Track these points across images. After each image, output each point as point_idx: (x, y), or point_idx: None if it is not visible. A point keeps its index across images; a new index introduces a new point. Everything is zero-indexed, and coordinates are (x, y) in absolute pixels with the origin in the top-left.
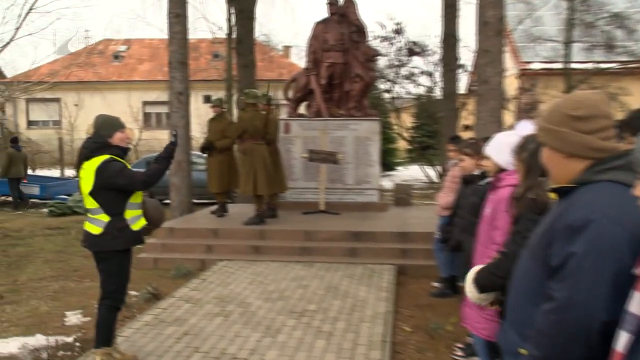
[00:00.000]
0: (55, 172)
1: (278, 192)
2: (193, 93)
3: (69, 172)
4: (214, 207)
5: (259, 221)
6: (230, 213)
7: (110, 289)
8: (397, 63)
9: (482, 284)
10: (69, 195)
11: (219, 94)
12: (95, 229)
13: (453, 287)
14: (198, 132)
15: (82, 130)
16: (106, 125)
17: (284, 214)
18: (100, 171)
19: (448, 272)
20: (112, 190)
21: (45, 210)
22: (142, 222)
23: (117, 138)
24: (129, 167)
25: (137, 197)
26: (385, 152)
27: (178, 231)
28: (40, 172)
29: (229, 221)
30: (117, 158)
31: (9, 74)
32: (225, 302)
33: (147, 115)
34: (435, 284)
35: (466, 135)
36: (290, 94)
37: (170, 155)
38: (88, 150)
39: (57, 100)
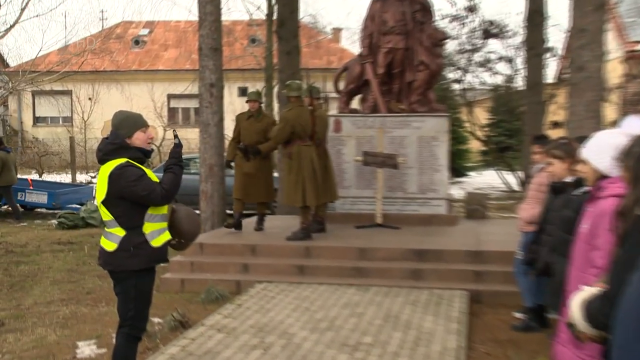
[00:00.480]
0: (65, 177)
1: (327, 201)
2: (227, 85)
3: (82, 177)
4: (243, 220)
5: (304, 236)
6: (270, 226)
7: (129, 315)
8: (469, 47)
9: (591, 317)
10: (81, 204)
11: (256, 85)
12: (109, 245)
13: (540, 319)
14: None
15: (97, 128)
16: (125, 124)
17: (333, 227)
18: (113, 177)
19: (534, 300)
20: (127, 199)
21: (54, 221)
22: (165, 237)
23: (137, 138)
24: (150, 174)
25: (159, 208)
26: (455, 154)
27: (209, 247)
28: (48, 177)
29: (269, 236)
30: (134, 162)
31: (13, 62)
32: (265, 332)
33: (172, 111)
34: (518, 315)
35: (555, 134)
36: (342, 85)
37: (178, 159)
38: (102, 153)
39: (68, 93)
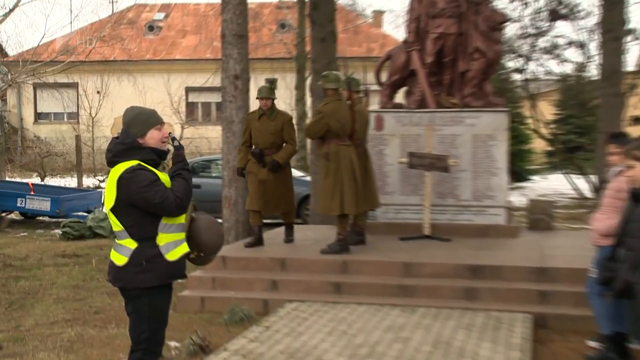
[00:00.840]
0: (70, 182)
1: (368, 210)
2: (253, 76)
3: (89, 181)
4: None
5: (341, 249)
6: (302, 238)
7: (142, 338)
8: (533, 31)
9: None
10: (88, 212)
11: (287, 77)
12: (119, 259)
13: (620, 349)
14: None
15: (106, 125)
16: (137, 121)
17: (374, 239)
18: (122, 182)
19: (612, 327)
20: (138, 207)
21: (58, 231)
22: (183, 250)
23: (151, 137)
24: (165, 178)
25: (175, 217)
26: (516, 155)
27: (233, 261)
28: (51, 181)
29: (301, 249)
30: (147, 165)
31: (12, 51)
32: (296, 359)
33: (191, 106)
34: (592, 344)
35: (636, 131)
36: (384, 77)
37: (184, 163)
38: (112, 154)
39: (74, 86)
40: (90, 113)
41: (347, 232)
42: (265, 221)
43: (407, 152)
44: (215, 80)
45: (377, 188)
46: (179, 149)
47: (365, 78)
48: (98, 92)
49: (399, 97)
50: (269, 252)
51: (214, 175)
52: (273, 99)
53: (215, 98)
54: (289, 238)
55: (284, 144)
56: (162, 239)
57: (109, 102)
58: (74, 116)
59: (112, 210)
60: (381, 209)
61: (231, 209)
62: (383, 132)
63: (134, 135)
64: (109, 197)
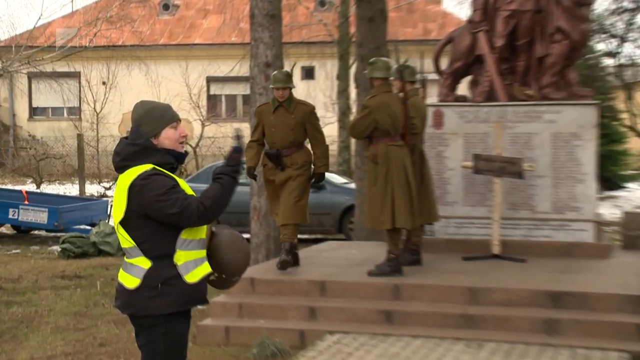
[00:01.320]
0: (71, 189)
1: (425, 223)
2: (287, 63)
3: (93, 189)
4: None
5: (393, 270)
6: (346, 256)
7: None
8: (629, 6)
9: None
10: (92, 225)
11: (326, 64)
12: (130, 281)
13: None
14: None
15: (113, 122)
16: (150, 118)
17: (432, 259)
18: (135, 190)
19: None
20: (153, 219)
21: (56, 248)
22: (204, 270)
23: (166, 137)
24: (184, 184)
25: (196, 231)
26: (607, 158)
27: (263, 284)
28: (48, 189)
29: (345, 270)
30: (163, 170)
31: (4, 35)
32: None
33: (213, 100)
34: None
35: None
36: (444, 63)
37: (234, 168)
38: (120, 157)
39: (76, 75)
40: (94, 108)
41: (400, 251)
42: (300, 236)
43: (472, 155)
44: (243, 69)
45: (436, 198)
46: (237, 151)
47: (422, 65)
48: (104, 83)
49: (463, 88)
50: (305, 273)
51: (241, 181)
52: (291, 88)
53: (242, 90)
54: (286, 260)
55: (310, 144)
56: (181, 257)
57: (116, 95)
58: (75, 111)
59: (122, 223)
60: (440, 223)
61: (260, 221)
62: (443, 130)
63: (146, 135)
64: (118, 207)
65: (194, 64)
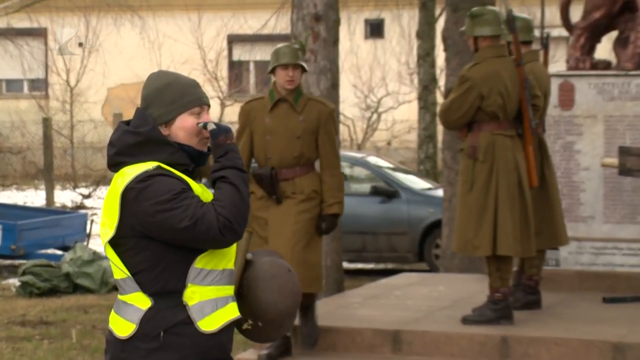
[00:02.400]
0: (35, 196)
1: (545, 248)
2: (345, 17)
3: (65, 197)
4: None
5: (499, 316)
6: (430, 295)
7: None
8: None
9: None
10: (64, 248)
11: (401, 17)
12: (122, 327)
13: None
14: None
15: (94, 101)
16: (162, 97)
17: (556, 300)
18: (129, 195)
19: None
20: (154, 239)
21: (14, 282)
22: (228, 315)
23: (182, 127)
24: (199, 189)
25: (220, 258)
26: None
27: None
28: (2, 197)
29: (427, 315)
30: (171, 169)
31: None
32: None
33: (237, 68)
34: None
35: None
36: (576, 15)
37: (229, 159)
38: (115, 150)
39: (41, 33)
40: (67, 81)
41: (509, 288)
42: (363, 266)
43: (617, 148)
44: (279, 25)
45: (562, 211)
46: (218, 134)
47: (542, 17)
48: (81, 45)
49: (602, 50)
50: (372, 319)
51: None
52: (303, 70)
53: None
54: (305, 332)
55: (320, 166)
56: (194, 295)
57: (99, 62)
58: (40, 86)
59: (112, 243)
60: (569, 248)
61: None
62: (573, 111)
63: (153, 121)
64: (108, 221)
65: (209, 17)
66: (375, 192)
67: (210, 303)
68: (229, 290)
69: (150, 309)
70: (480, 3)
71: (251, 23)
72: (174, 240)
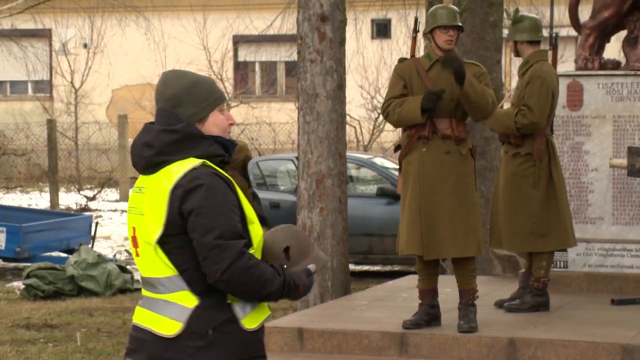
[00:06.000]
0: (39, 199)
1: (554, 249)
2: (352, 17)
3: (70, 199)
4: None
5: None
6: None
7: None
8: None
9: None
10: (69, 251)
11: (409, 17)
12: (165, 325)
13: None
14: (363, 109)
15: (99, 103)
16: (193, 96)
17: (564, 302)
18: (177, 193)
19: None
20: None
21: (19, 285)
22: (264, 313)
23: (214, 123)
24: (247, 205)
25: (257, 256)
26: None
27: (315, 337)
28: (5, 199)
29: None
30: (214, 167)
31: None
32: None
33: (242, 69)
34: None
35: None
36: (585, 14)
37: (302, 284)
38: (155, 150)
39: (45, 35)
40: (72, 82)
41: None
42: (369, 268)
43: (626, 148)
44: (286, 26)
45: (570, 212)
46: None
47: (551, 17)
48: (85, 46)
49: (611, 49)
50: (378, 322)
51: (281, 188)
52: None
53: (284, 55)
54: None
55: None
56: None
57: (104, 63)
58: (44, 87)
59: (160, 242)
60: (578, 249)
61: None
62: (582, 111)
63: (187, 119)
64: (153, 220)
65: (215, 18)
66: (382, 193)
67: (250, 302)
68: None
69: (197, 307)
70: (487, 3)
71: (257, 24)
72: (196, 249)
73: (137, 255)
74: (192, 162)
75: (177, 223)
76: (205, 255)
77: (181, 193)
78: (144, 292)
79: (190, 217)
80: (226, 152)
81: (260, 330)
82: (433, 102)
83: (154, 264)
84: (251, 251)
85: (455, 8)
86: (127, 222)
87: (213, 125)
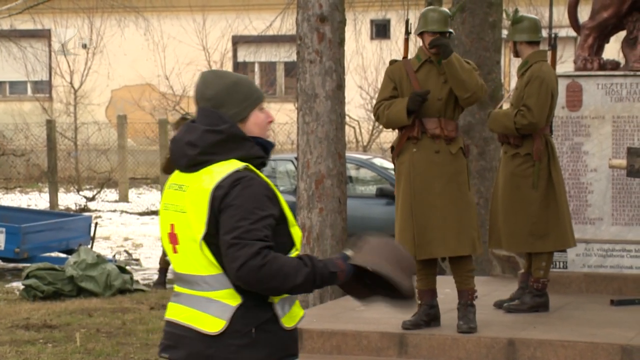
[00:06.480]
0: (38, 200)
1: (553, 250)
2: (351, 18)
3: (69, 199)
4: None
5: (536, 304)
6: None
7: None
8: None
9: None
10: (68, 252)
11: (409, 18)
12: (208, 322)
13: None
14: (362, 110)
15: (98, 103)
16: (234, 96)
17: (564, 302)
18: (219, 195)
19: None
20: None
21: (18, 285)
22: (300, 311)
23: (255, 123)
24: (288, 209)
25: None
26: None
27: (315, 338)
28: (4, 200)
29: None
30: (256, 171)
31: None
32: None
33: (242, 70)
34: None
35: None
36: (584, 14)
37: (337, 271)
38: (199, 150)
39: (44, 35)
40: (71, 83)
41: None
42: None
43: (625, 149)
44: (285, 26)
45: (570, 213)
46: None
47: (550, 17)
48: (85, 47)
49: (610, 49)
50: (377, 322)
51: (280, 188)
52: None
53: (284, 56)
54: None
55: None
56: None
57: (103, 64)
58: (44, 88)
59: (205, 239)
60: (577, 250)
61: (312, 246)
62: (581, 112)
63: (229, 119)
64: (195, 219)
65: (214, 18)
66: (381, 193)
67: (287, 300)
68: None
69: (240, 305)
70: (487, 4)
71: (256, 24)
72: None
73: (175, 252)
74: (234, 165)
75: (217, 222)
76: (224, 253)
77: (222, 194)
78: (179, 289)
79: (222, 214)
80: (265, 153)
81: (296, 330)
82: (418, 104)
83: (197, 262)
84: (294, 252)
85: (447, 11)
86: (162, 219)
87: (254, 124)
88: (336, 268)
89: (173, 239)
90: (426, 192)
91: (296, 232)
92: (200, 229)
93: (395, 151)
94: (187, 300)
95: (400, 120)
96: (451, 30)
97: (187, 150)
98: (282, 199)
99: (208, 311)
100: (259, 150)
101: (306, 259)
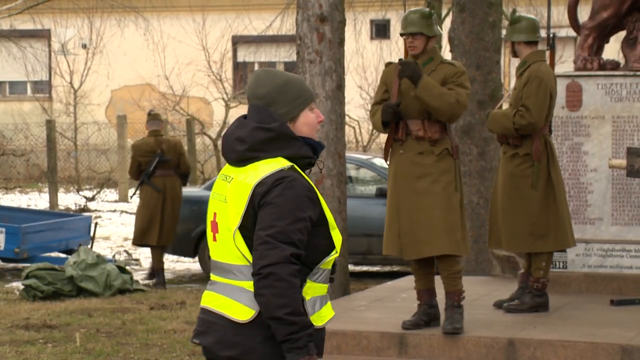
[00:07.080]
0: (38, 200)
1: (553, 250)
2: (351, 18)
3: (69, 199)
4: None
5: (536, 304)
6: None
7: None
8: None
9: None
10: (68, 252)
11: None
12: (239, 310)
13: None
14: (362, 110)
15: (98, 103)
16: (286, 95)
17: (564, 302)
18: (260, 191)
19: None
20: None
21: (18, 285)
22: (330, 312)
23: (305, 123)
24: (328, 213)
25: (331, 258)
26: None
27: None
28: (4, 200)
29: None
30: (301, 172)
31: None
32: None
33: (242, 70)
34: None
35: None
36: (584, 14)
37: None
38: (247, 146)
39: (44, 35)
40: (71, 83)
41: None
42: (368, 269)
43: (625, 149)
44: (285, 26)
45: (569, 213)
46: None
47: (549, 17)
48: (85, 47)
49: (611, 49)
50: (378, 322)
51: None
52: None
53: (284, 56)
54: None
55: None
56: (309, 291)
57: (103, 64)
58: (43, 88)
59: (241, 231)
60: (577, 250)
61: None
62: (581, 112)
63: (280, 118)
64: (234, 209)
65: (214, 18)
66: (381, 194)
67: (319, 299)
68: (325, 289)
69: None
70: (487, 4)
71: (256, 24)
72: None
73: (215, 240)
74: (280, 163)
75: (255, 217)
76: (255, 247)
77: (263, 191)
78: (215, 278)
79: (261, 211)
80: (314, 154)
81: (323, 330)
82: (390, 115)
83: (232, 251)
84: (333, 255)
85: (427, 11)
86: (209, 207)
87: (304, 124)
88: (312, 351)
89: (214, 227)
90: (410, 193)
91: (336, 235)
92: (236, 220)
93: (385, 152)
94: (222, 289)
95: (379, 128)
96: (437, 30)
97: (236, 146)
98: (324, 202)
99: (240, 300)
100: (308, 151)
101: (309, 320)
